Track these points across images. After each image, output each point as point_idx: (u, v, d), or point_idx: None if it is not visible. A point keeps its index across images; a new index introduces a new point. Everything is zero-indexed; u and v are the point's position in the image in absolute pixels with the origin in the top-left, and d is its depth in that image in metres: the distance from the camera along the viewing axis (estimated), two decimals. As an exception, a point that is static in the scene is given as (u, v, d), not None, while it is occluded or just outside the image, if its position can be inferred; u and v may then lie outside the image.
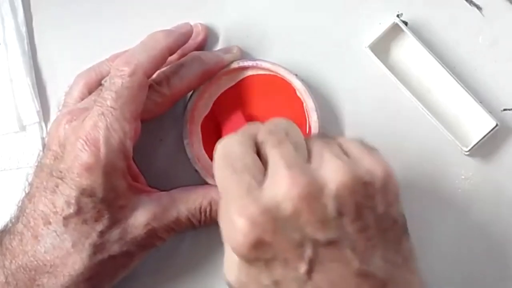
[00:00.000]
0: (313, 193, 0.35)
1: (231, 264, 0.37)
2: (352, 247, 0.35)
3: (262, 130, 0.39)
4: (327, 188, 0.35)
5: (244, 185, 0.36)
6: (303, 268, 0.35)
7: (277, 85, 0.48)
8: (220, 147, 0.38)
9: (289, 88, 0.48)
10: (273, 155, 0.37)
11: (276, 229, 0.35)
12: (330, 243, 0.35)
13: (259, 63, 0.48)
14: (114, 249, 0.44)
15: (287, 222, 0.35)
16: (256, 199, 0.35)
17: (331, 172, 0.36)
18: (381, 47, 0.49)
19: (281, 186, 0.35)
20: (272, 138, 0.38)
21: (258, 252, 0.35)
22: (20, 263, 0.43)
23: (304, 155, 0.37)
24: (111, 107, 0.43)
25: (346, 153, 0.37)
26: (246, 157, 0.37)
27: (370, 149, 0.38)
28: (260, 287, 0.36)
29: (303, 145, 0.38)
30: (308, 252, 0.35)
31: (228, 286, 0.38)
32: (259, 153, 0.38)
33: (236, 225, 0.35)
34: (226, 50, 0.49)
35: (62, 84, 0.50)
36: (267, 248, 0.35)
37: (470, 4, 0.49)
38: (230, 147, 0.38)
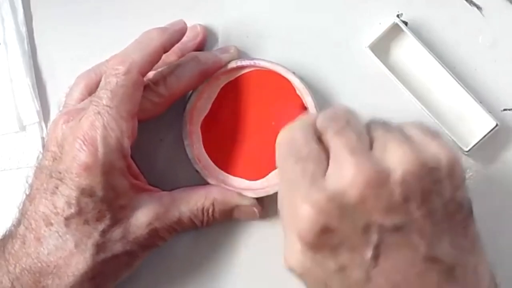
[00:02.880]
0: (379, 179, 0.35)
1: (293, 249, 0.37)
2: (419, 232, 0.35)
3: (321, 117, 0.39)
4: (393, 175, 0.35)
5: (308, 173, 0.36)
6: (369, 253, 0.35)
7: (276, 83, 0.48)
8: (282, 136, 0.39)
9: (288, 86, 0.48)
10: (335, 143, 0.37)
11: (342, 215, 0.35)
12: (397, 228, 0.35)
13: (257, 62, 0.48)
14: (117, 248, 0.44)
15: (353, 208, 0.35)
16: (321, 186, 0.35)
17: (396, 158, 0.36)
18: (381, 47, 0.49)
19: (346, 173, 0.35)
20: (333, 126, 0.37)
21: (324, 239, 0.35)
22: (24, 266, 0.43)
23: (367, 142, 0.37)
24: (107, 106, 0.43)
25: (409, 139, 0.37)
26: (309, 145, 0.37)
27: (433, 133, 0.38)
28: (326, 272, 0.36)
29: (364, 132, 0.38)
30: (374, 237, 0.35)
31: (291, 271, 0.38)
32: (320, 141, 0.38)
33: (302, 212, 0.35)
34: (224, 50, 0.49)
35: (62, 84, 0.50)
36: (333, 234, 0.35)
37: (470, 4, 0.49)
38: (292, 135, 0.38)
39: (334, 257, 0.36)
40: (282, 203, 0.38)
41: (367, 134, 0.38)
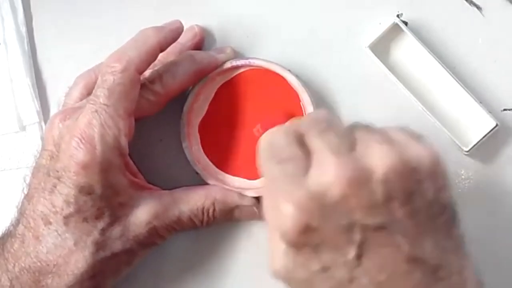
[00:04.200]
0: (361, 178, 0.35)
1: (277, 252, 0.37)
2: (402, 232, 0.35)
3: (303, 122, 0.39)
4: (375, 173, 0.35)
5: (290, 174, 0.36)
6: (352, 252, 0.35)
7: (272, 82, 0.48)
8: (264, 140, 0.39)
9: (285, 84, 0.48)
10: (317, 144, 0.37)
11: (324, 214, 0.35)
12: (379, 228, 0.35)
13: (252, 61, 0.48)
14: (117, 246, 0.44)
15: (335, 207, 0.35)
16: (303, 185, 0.35)
17: (379, 158, 0.36)
18: (381, 47, 0.49)
19: (328, 172, 0.35)
20: (314, 128, 0.38)
21: (306, 237, 0.35)
22: (23, 265, 0.43)
23: (349, 143, 0.37)
24: (104, 104, 0.43)
25: (391, 140, 0.37)
26: (291, 147, 0.37)
27: (416, 136, 0.38)
28: (309, 273, 0.36)
29: (346, 133, 0.38)
30: (357, 236, 0.35)
31: (274, 276, 0.38)
32: (303, 145, 0.38)
33: (284, 211, 0.35)
34: (220, 50, 0.49)
35: (62, 84, 0.50)
36: (316, 233, 0.35)
37: (470, 4, 0.49)
38: (274, 139, 0.38)
39: (317, 257, 0.36)
40: (266, 206, 0.38)
41: (349, 135, 0.38)
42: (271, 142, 0.38)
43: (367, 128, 0.38)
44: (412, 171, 0.36)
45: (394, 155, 0.36)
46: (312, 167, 0.36)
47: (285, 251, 0.36)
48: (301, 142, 0.38)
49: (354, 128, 0.38)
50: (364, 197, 0.35)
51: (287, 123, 0.40)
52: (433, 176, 0.36)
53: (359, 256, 0.35)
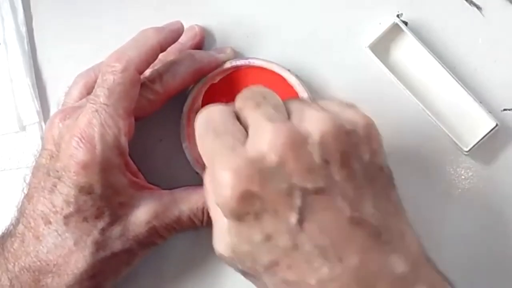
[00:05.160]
0: (297, 141, 0.36)
1: (220, 230, 0.37)
2: (341, 195, 0.36)
3: (239, 98, 0.39)
4: (311, 137, 0.36)
5: (227, 145, 0.36)
6: (293, 218, 0.35)
7: (272, 81, 0.48)
8: (201, 116, 0.39)
9: (284, 84, 0.48)
10: (253, 115, 0.37)
11: (262, 179, 0.35)
12: (319, 191, 0.35)
13: (252, 61, 0.48)
14: (116, 246, 0.44)
15: (273, 172, 0.35)
16: (240, 153, 0.36)
17: (314, 123, 0.36)
18: (381, 47, 0.49)
19: (265, 138, 0.36)
20: (250, 102, 0.38)
21: (246, 205, 0.35)
22: (23, 264, 0.43)
23: (284, 114, 0.38)
24: (104, 103, 0.43)
25: (326, 109, 0.38)
26: (227, 121, 0.38)
27: (350, 104, 0.39)
28: (252, 245, 0.36)
29: (282, 106, 0.38)
30: (297, 201, 0.35)
31: (220, 257, 0.38)
32: (239, 120, 0.38)
33: (221, 179, 0.35)
34: (220, 50, 0.49)
35: (62, 84, 0.50)
36: (256, 200, 0.35)
37: (470, 4, 0.49)
38: (210, 115, 0.39)
39: (259, 225, 0.36)
40: (206, 184, 0.38)
41: (284, 107, 0.38)
42: (208, 117, 0.39)
43: (302, 100, 0.39)
44: (347, 134, 0.37)
45: (329, 120, 0.36)
46: (249, 137, 0.37)
47: (228, 227, 0.36)
48: (237, 117, 0.38)
49: (289, 100, 0.39)
50: (302, 161, 0.35)
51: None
52: (368, 138, 0.37)
53: (301, 221, 0.35)
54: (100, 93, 0.43)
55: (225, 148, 0.36)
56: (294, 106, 0.38)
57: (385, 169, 0.38)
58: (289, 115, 0.38)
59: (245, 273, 0.38)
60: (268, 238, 0.36)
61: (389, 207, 0.37)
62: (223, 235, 0.37)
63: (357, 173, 0.36)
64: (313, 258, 0.35)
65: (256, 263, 0.37)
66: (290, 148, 0.35)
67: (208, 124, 0.38)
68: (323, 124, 0.36)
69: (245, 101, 0.39)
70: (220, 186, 0.36)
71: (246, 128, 0.38)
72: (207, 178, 0.38)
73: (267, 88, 0.39)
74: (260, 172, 0.35)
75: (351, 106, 0.39)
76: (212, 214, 0.38)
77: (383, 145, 0.38)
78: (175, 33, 0.47)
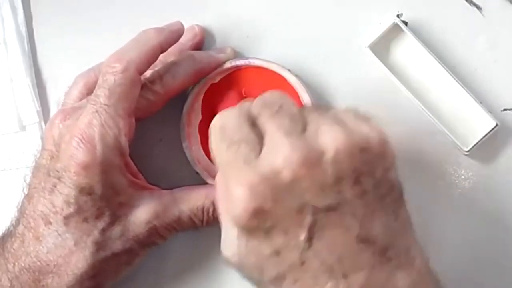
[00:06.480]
0: (312, 159, 0.35)
1: (230, 238, 0.37)
2: (352, 213, 0.36)
3: (255, 104, 0.39)
4: (325, 154, 0.36)
5: (241, 156, 0.36)
6: (303, 235, 0.35)
7: (272, 81, 0.48)
8: (216, 122, 0.39)
9: (284, 83, 0.48)
10: (269, 126, 0.37)
11: (275, 196, 0.35)
12: (330, 209, 0.35)
13: (252, 61, 0.48)
14: (117, 246, 0.44)
15: (287, 189, 0.35)
16: (254, 168, 0.36)
17: (329, 139, 0.36)
18: (381, 47, 0.49)
19: (280, 154, 0.35)
20: (266, 111, 0.38)
21: (258, 221, 0.35)
22: (23, 265, 0.43)
23: (300, 125, 0.37)
24: (105, 104, 0.43)
25: (341, 121, 0.38)
26: (242, 129, 0.38)
27: (365, 117, 0.39)
28: (261, 258, 0.36)
29: (297, 115, 0.38)
30: (308, 218, 0.35)
31: (227, 262, 0.38)
32: (255, 127, 0.38)
33: (235, 194, 0.35)
34: (220, 50, 0.49)
35: (62, 84, 0.50)
36: (267, 216, 0.35)
37: (470, 4, 0.49)
38: (226, 121, 0.38)
39: (268, 241, 0.36)
40: (219, 190, 0.38)
41: (300, 117, 0.38)
42: (223, 124, 0.38)
43: (318, 110, 0.39)
44: (362, 151, 0.36)
45: (344, 137, 0.36)
46: (264, 149, 0.37)
47: (238, 236, 0.36)
48: (253, 124, 0.38)
49: (305, 110, 0.39)
50: (315, 179, 0.35)
51: (238, 105, 0.40)
52: (382, 156, 0.37)
53: (310, 238, 0.35)
54: (101, 94, 0.43)
55: (239, 160, 0.36)
56: (310, 116, 0.38)
57: (397, 185, 0.38)
58: (304, 126, 0.37)
59: (249, 279, 0.38)
60: (276, 253, 0.36)
61: (397, 224, 0.37)
62: (232, 242, 0.37)
63: (368, 190, 0.36)
64: (319, 274, 0.35)
65: (262, 274, 0.37)
66: (304, 166, 0.35)
67: (223, 130, 0.38)
68: (338, 141, 0.36)
69: (262, 108, 0.38)
70: (233, 200, 0.36)
71: (261, 135, 0.37)
72: (220, 184, 0.38)
73: (285, 95, 0.39)
74: (273, 189, 0.35)
75: (367, 119, 0.38)
76: (222, 219, 0.38)
77: (395, 161, 0.38)
78: (176, 34, 0.47)
